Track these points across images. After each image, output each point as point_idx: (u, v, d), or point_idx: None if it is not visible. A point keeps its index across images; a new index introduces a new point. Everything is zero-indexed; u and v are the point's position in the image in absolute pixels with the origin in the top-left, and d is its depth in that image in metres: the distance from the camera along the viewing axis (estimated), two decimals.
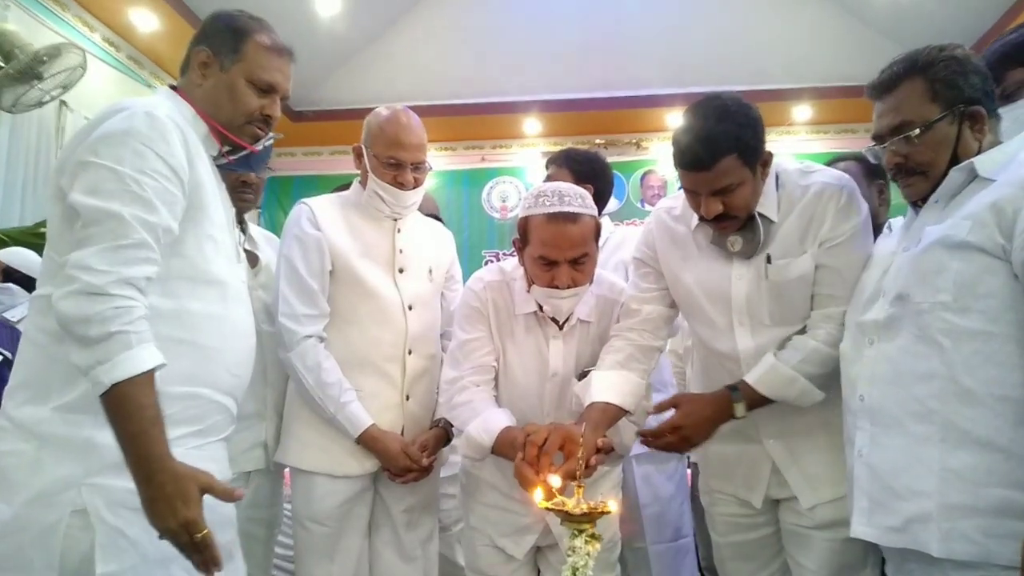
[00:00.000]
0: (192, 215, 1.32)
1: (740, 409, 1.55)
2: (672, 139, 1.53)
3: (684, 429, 1.56)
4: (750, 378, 1.54)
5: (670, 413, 1.60)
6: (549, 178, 2.13)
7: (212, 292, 1.36)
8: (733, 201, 1.48)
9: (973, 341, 1.22)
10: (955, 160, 1.33)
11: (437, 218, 2.24)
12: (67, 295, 1.13)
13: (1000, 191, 1.24)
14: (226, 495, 1.21)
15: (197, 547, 1.14)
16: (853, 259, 1.51)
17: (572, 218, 1.58)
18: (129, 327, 1.14)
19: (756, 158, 1.48)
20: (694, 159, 1.46)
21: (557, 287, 1.60)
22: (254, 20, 1.47)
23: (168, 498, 1.12)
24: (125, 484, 1.16)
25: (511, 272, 1.76)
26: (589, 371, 1.67)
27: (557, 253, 1.58)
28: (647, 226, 1.76)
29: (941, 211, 1.34)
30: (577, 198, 1.61)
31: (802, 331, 1.57)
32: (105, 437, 1.16)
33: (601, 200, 2.11)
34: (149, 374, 1.15)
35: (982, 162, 1.30)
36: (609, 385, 1.59)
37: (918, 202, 1.40)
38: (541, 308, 1.69)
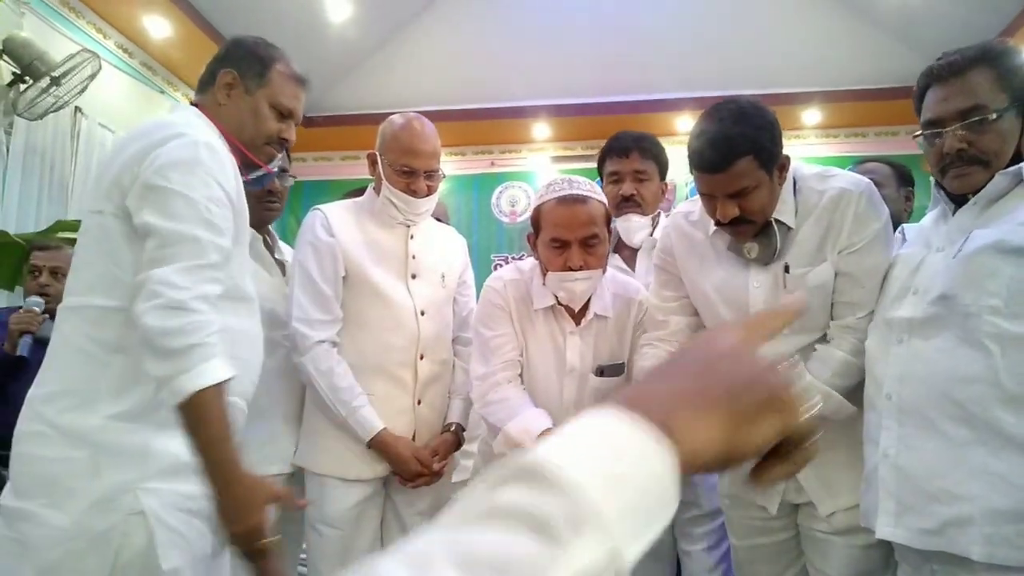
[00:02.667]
0: (236, 237, 1.40)
1: None
2: (688, 142, 1.51)
3: None
4: None
5: None
6: (635, 172, 2.09)
7: (244, 308, 1.45)
8: (749, 205, 1.46)
9: (1022, 347, 1.20)
10: (1018, 155, 1.31)
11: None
12: (152, 308, 1.19)
13: None
14: (289, 502, 1.32)
15: (258, 554, 1.23)
16: (872, 265, 1.48)
17: (581, 199, 1.65)
18: (208, 340, 1.22)
19: (773, 161, 1.46)
20: (709, 160, 1.44)
21: (570, 269, 1.64)
22: (275, 48, 1.56)
23: (239, 506, 1.21)
24: (176, 488, 1.25)
25: (528, 271, 1.81)
26: (606, 366, 1.72)
27: (568, 233, 1.64)
28: (665, 231, 1.75)
29: (979, 214, 1.32)
30: (586, 184, 1.70)
31: (822, 339, 1.54)
32: (159, 443, 1.25)
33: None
34: (222, 385, 1.22)
35: None
36: None
37: (946, 201, 1.38)
38: (559, 302, 1.72)
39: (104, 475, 1.23)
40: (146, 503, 1.24)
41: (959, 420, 1.24)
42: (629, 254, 2.10)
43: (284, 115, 1.53)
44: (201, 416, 1.19)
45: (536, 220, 1.72)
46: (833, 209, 1.49)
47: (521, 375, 1.77)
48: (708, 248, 1.63)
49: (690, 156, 1.49)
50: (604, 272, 1.73)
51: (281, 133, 1.53)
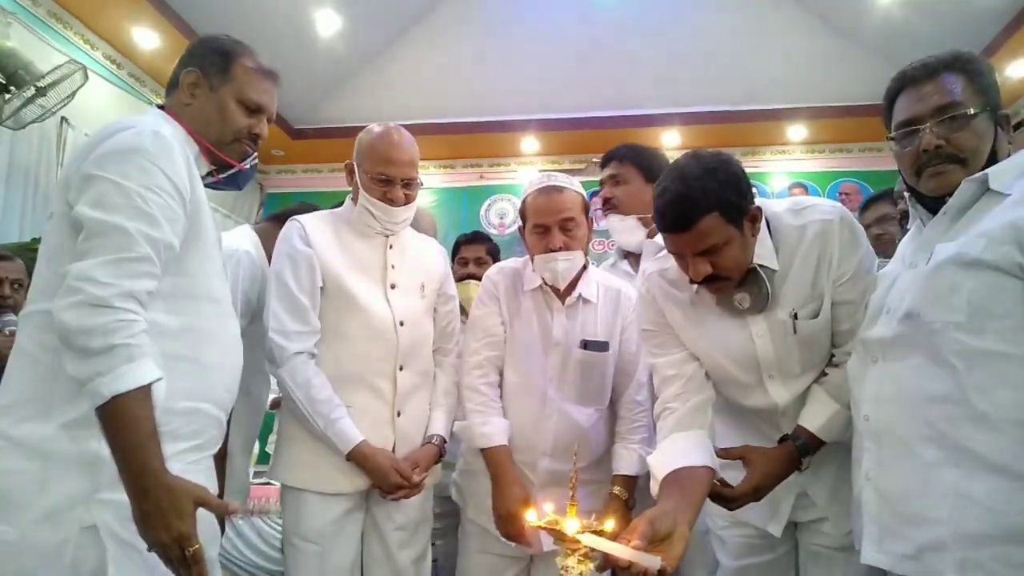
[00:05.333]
0: (195, 233, 1.33)
1: (807, 462, 1.49)
2: (652, 200, 1.46)
3: (763, 490, 1.48)
4: (812, 427, 1.48)
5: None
6: (611, 177, 2.26)
7: (211, 309, 1.37)
8: (721, 261, 1.40)
9: (988, 363, 1.15)
10: (992, 159, 1.29)
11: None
12: (70, 306, 1.13)
13: (1019, 209, 1.18)
14: (220, 508, 1.22)
15: (187, 561, 1.14)
16: (865, 287, 1.46)
17: (558, 189, 1.86)
18: (131, 340, 1.14)
19: (741, 214, 1.40)
20: (673, 220, 1.39)
21: (552, 250, 1.82)
22: (240, 44, 1.50)
23: (163, 512, 1.12)
24: None
25: (523, 263, 2.00)
26: (591, 341, 1.86)
27: (548, 218, 1.84)
28: (646, 294, 1.66)
29: (949, 226, 1.29)
30: (565, 179, 1.90)
31: (829, 366, 1.53)
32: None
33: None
34: (148, 388, 1.15)
35: (994, 175, 1.25)
36: (669, 456, 1.45)
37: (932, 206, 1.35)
38: (545, 283, 1.88)
39: (54, 487, 1.17)
40: (98, 516, 1.18)
41: (930, 441, 1.20)
42: None
43: (253, 110, 1.48)
44: (121, 421, 1.12)
45: (523, 212, 1.93)
46: (820, 244, 1.46)
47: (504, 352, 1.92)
48: (697, 305, 1.57)
49: (655, 216, 1.44)
50: (586, 255, 1.89)
51: (251, 128, 1.48)
